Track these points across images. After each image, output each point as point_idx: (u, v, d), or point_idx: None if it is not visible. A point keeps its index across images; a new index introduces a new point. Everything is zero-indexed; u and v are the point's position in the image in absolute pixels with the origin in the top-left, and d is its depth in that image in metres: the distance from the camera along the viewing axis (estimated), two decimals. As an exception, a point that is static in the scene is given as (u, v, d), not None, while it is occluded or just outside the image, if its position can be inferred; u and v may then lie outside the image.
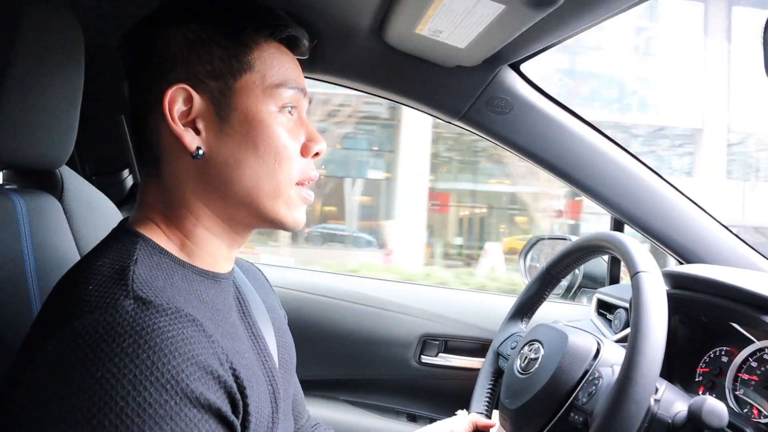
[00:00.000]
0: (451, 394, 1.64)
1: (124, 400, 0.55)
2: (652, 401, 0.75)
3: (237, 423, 0.66)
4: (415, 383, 1.69)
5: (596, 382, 0.82)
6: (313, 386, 1.68)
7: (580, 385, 0.84)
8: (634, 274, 0.79)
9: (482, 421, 1.05)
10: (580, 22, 1.06)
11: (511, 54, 1.23)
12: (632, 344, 0.72)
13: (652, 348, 0.71)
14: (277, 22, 0.78)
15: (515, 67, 1.32)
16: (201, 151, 0.73)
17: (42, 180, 1.01)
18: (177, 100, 0.73)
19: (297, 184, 0.78)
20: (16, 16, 0.81)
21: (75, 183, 1.04)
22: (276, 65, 0.77)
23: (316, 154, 0.81)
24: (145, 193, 0.78)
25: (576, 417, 0.81)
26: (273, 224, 0.79)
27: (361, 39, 1.22)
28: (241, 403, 0.67)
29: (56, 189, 1.01)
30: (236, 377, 0.66)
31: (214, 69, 0.74)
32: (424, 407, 1.70)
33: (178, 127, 0.73)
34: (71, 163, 1.06)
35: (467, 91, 1.32)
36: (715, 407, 0.72)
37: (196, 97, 0.73)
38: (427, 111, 1.40)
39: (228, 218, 0.78)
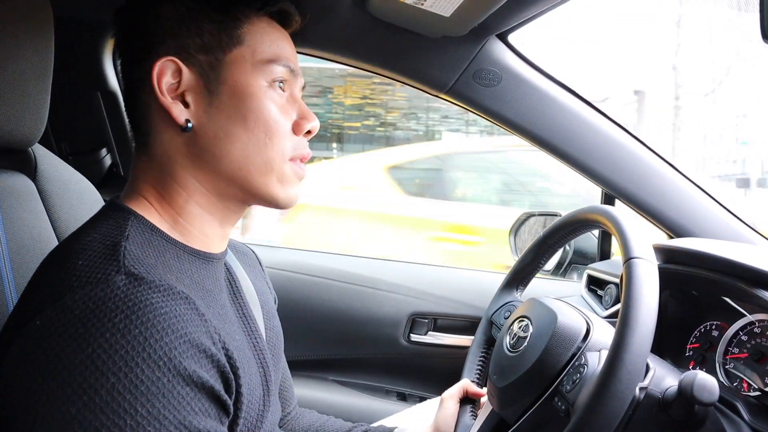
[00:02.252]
0: (441, 372, 1.64)
1: (116, 376, 0.55)
2: (637, 390, 0.73)
3: (230, 402, 0.66)
4: (405, 362, 1.69)
5: (581, 369, 0.80)
6: (302, 366, 1.68)
7: (566, 370, 0.82)
8: (627, 259, 0.76)
9: (472, 388, 1.06)
10: None
11: (499, 24, 1.21)
12: (618, 337, 0.70)
13: (638, 343, 0.68)
14: None
15: (503, 38, 1.30)
16: (190, 125, 0.73)
17: (14, 160, 0.98)
18: (166, 73, 0.72)
19: (290, 160, 0.77)
20: None
21: (49, 162, 1.02)
22: (267, 41, 0.76)
23: (309, 132, 0.80)
24: (137, 168, 0.78)
25: (559, 404, 0.80)
26: (265, 200, 0.78)
27: (344, 10, 1.19)
28: (234, 383, 0.67)
29: (29, 169, 0.98)
30: (229, 357, 0.66)
31: (204, 42, 0.73)
32: (414, 386, 1.70)
33: (167, 100, 0.72)
34: (46, 143, 1.03)
35: (454, 63, 1.30)
36: (707, 382, 0.71)
37: (185, 70, 0.73)
38: (412, 84, 1.38)
39: (220, 193, 0.77)
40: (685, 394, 0.71)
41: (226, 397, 0.64)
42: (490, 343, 1.11)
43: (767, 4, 0.75)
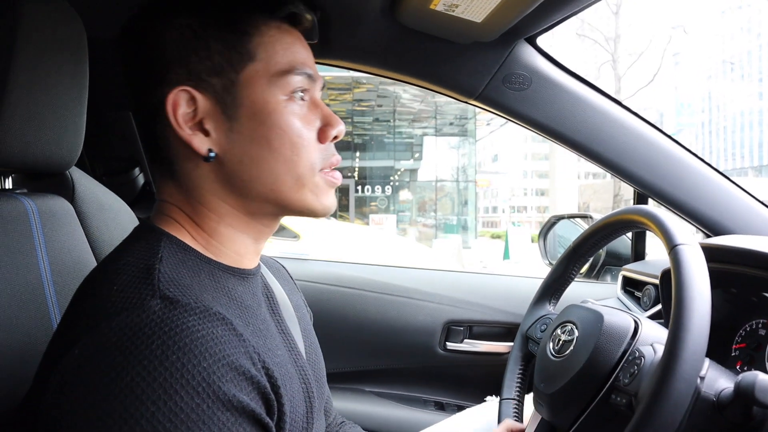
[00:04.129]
0: (479, 380, 1.63)
1: (155, 404, 0.54)
2: (698, 380, 0.72)
3: (272, 425, 0.64)
4: (441, 371, 1.68)
5: (638, 361, 0.79)
6: (338, 378, 1.68)
7: (620, 365, 0.81)
8: (672, 248, 0.75)
9: (516, 426, 1.02)
10: None
11: (528, 27, 1.20)
12: (676, 320, 0.69)
13: (697, 323, 0.68)
14: (272, 0, 0.74)
15: (531, 41, 1.29)
16: (212, 154, 0.70)
17: (52, 183, 0.99)
18: (180, 104, 0.69)
19: (320, 170, 0.75)
20: (14, 15, 0.78)
21: (86, 184, 1.03)
22: (280, 50, 0.72)
23: (335, 138, 0.77)
24: (163, 193, 0.75)
25: (618, 399, 0.78)
26: (301, 213, 0.76)
27: (372, 20, 1.19)
28: (275, 403, 0.64)
29: (67, 191, 0.99)
30: (269, 377, 0.64)
31: (214, 64, 0.69)
32: (452, 395, 1.69)
33: (185, 132, 0.69)
34: (80, 164, 1.04)
35: (484, 69, 1.29)
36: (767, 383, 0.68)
37: (200, 98, 0.69)
38: (442, 91, 1.37)
39: (252, 213, 0.75)
40: (744, 395, 0.69)
41: (267, 420, 0.62)
42: (527, 359, 1.08)
43: None
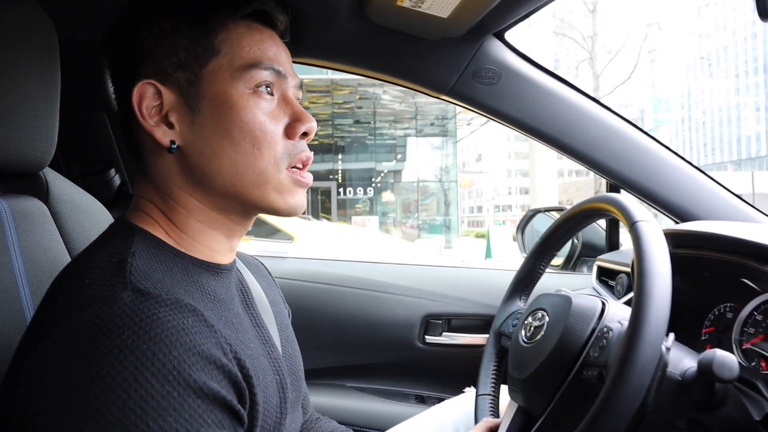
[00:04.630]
0: (458, 372, 1.64)
1: (126, 392, 0.54)
2: (663, 348, 0.73)
3: (243, 412, 0.64)
4: (421, 364, 1.70)
5: (606, 335, 0.81)
6: (319, 375, 1.69)
7: (590, 342, 0.83)
8: (632, 225, 0.78)
9: (494, 422, 1.03)
10: None
11: (495, 22, 1.22)
12: (639, 288, 0.71)
13: (659, 290, 0.70)
14: None
15: (500, 36, 1.31)
16: (175, 146, 0.72)
17: (26, 184, 0.99)
18: (146, 96, 0.72)
19: (289, 168, 0.75)
20: None
21: (60, 185, 1.03)
22: (246, 45, 0.73)
23: (305, 135, 0.76)
24: (138, 188, 0.77)
25: (590, 373, 0.80)
26: (266, 211, 0.76)
27: (342, 18, 1.20)
28: (247, 392, 0.65)
29: (41, 192, 0.99)
30: (241, 367, 0.65)
31: (180, 60, 0.72)
32: (432, 387, 1.71)
33: (148, 123, 0.72)
34: (55, 166, 1.04)
35: (453, 64, 1.31)
36: (726, 359, 0.71)
37: (165, 91, 0.72)
38: (413, 87, 1.39)
39: (219, 208, 0.75)
40: (705, 372, 0.71)
41: (239, 407, 0.63)
42: (501, 355, 1.10)
43: None
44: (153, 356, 0.56)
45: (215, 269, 0.76)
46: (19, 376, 0.60)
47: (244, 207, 0.76)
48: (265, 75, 0.73)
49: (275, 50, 0.76)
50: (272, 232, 5.22)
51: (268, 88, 0.74)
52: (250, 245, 5.27)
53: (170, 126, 0.72)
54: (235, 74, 0.72)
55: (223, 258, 0.78)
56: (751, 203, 1.38)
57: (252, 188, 0.73)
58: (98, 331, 0.57)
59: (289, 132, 0.75)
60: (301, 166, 0.76)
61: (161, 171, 0.74)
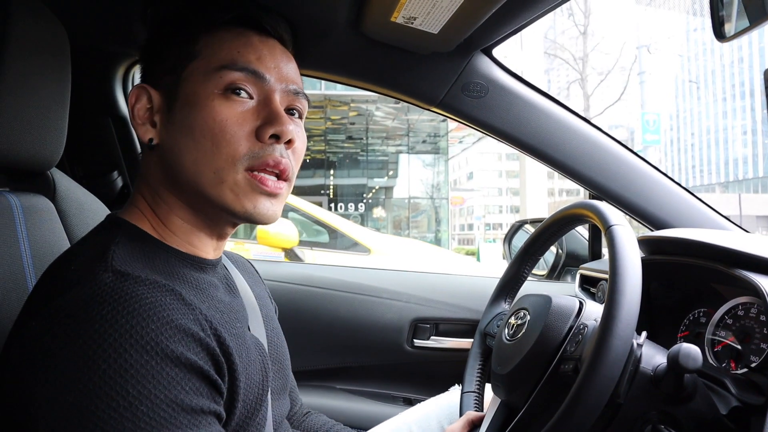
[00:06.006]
0: (445, 375, 1.66)
1: (106, 362, 0.57)
2: (635, 344, 0.78)
3: (221, 383, 0.66)
4: (409, 367, 1.72)
5: (582, 332, 0.85)
6: (309, 376, 1.70)
7: (567, 338, 0.87)
8: (607, 228, 0.82)
9: (476, 415, 1.06)
10: (545, 3, 1.11)
11: (483, 39, 1.27)
12: (612, 286, 0.75)
13: (630, 288, 0.74)
14: (218, 6, 0.79)
15: (488, 53, 1.37)
16: (153, 142, 0.77)
17: (34, 182, 1.03)
18: (140, 99, 0.78)
19: (254, 170, 0.74)
20: (3, 24, 0.83)
21: (66, 184, 1.06)
22: (224, 48, 0.75)
23: (277, 138, 0.75)
24: (135, 185, 0.83)
25: (566, 366, 0.83)
26: (226, 213, 0.76)
27: (338, 32, 1.25)
28: (225, 365, 0.67)
29: (48, 190, 1.03)
30: (220, 342, 0.67)
31: (169, 66, 0.77)
32: (419, 390, 1.72)
33: (136, 122, 0.78)
34: (61, 167, 1.08)
35: (443, 78, 1.36)
36: (690, 350, 0.75)
37: (154, 94, 0.78)
38: (405, 99, 1.43)
39: (192, 206, 0.77)
40: (673, 365, 0.75)
41: (216, 377, 0.64)
42: (485, 354, 1.13)
43: (717, 6, 0.83)
44: (131, 329, 0.58)
45: (199, 263, 0.78)
46: (8, 356, 0.64)
47: (208, 207, 0.76)
48: (236, 76, 0.74)
49: (259, 54, 0.77)
50: (351, 245, 5.34)
51: (239, 90, 0.75)
52: (324, 256, 5.39)
53: (153, 125, 0.78)
54: (208, 75, 0.74)
55: (206, 255, 0.81)
56: (739, 224, 1.44)
57: (209, 187, 0.73)
58: (79, 310, 0.60)
59: (259, 134, 0.74)
60: (271, 171, 0.75)
61: (148, 167, 0.80)
